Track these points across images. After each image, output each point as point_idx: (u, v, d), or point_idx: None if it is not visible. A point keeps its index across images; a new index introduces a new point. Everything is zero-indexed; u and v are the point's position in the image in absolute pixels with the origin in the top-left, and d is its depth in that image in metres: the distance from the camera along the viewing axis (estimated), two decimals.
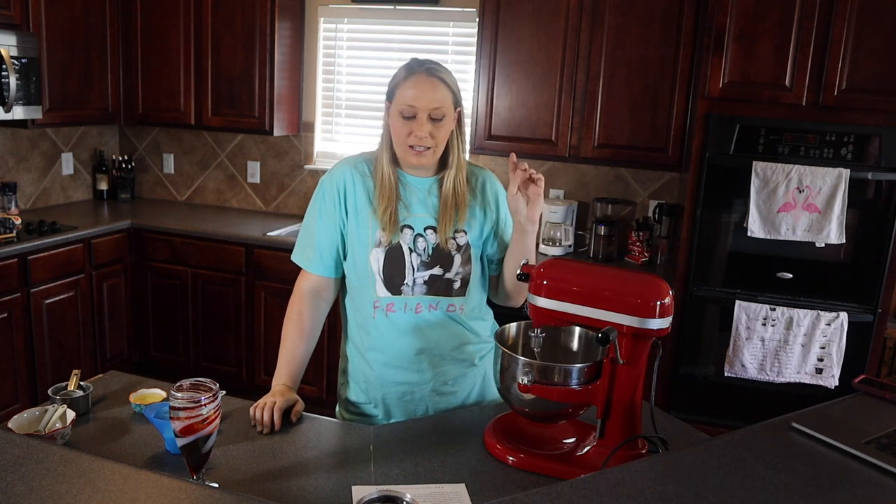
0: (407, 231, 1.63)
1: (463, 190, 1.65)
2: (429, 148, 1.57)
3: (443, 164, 1.66)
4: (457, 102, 1.61)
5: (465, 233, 1.66)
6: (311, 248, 1.69)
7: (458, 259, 1.65)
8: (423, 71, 1.56)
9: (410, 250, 1.62)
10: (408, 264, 1.62)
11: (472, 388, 1.74)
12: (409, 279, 1.62)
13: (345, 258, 1.69)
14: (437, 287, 1.64)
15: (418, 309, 1.64)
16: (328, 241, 1.67)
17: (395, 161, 1.64)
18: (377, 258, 1.62)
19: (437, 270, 1.63)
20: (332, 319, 1.78)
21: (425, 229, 1.64)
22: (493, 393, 1.76)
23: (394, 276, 1.62)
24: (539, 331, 1.46)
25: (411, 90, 1.55)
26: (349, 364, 1.76)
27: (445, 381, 1.69)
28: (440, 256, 1.64)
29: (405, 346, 1.65)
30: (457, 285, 1.65)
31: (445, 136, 1.60)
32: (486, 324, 1.76)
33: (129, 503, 0.94)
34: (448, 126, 1.59)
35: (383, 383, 1.68)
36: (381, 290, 1.63)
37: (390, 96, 1.60)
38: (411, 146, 1.57)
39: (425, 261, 1.63)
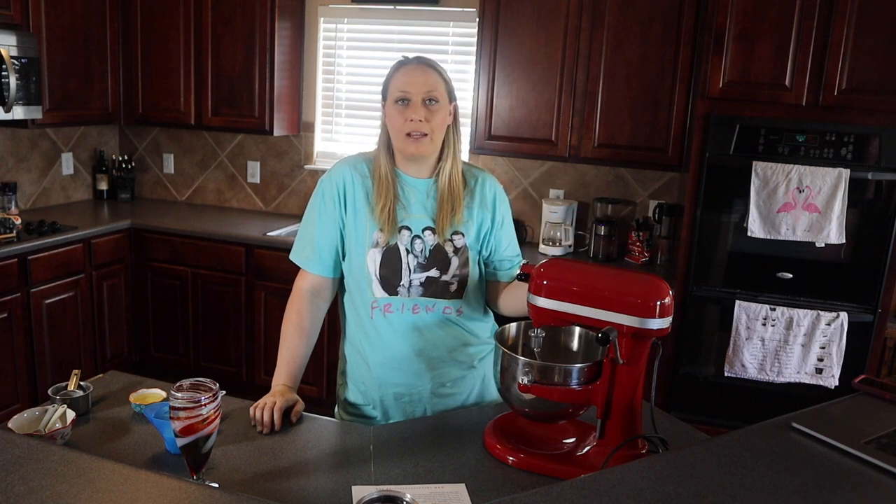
0: (405, 232, 1.63)
1: (459, 185, 1.65)
2: (426, 134, 1.57)
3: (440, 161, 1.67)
4: (450, 93, 1.62)
5: (463, 235, 1.66)
6: (310, 247, 1.68)
7: (455, 262, 1.65)
8: (413, 60, 1.61)
9: (407, 251, 1.62)
10: (404, 266, 1.62)
11: (472, 390, 1.73)
12: (405, 280, 1.62)
13: (343, 258, 1.69)
14: (434, 289, 1.63)
15: (415, 310, 1.64)
16: (327, 240, 1.67)
17: (392, 160, 1.65)
18: (374, 259, 1.62)
19: (433, 272, 1.63)
20: (331, 319, 1.78)
21: (423, 230, 1.64)
22: (493, 394, 1.76)
23: (390, 278, 1.61)
24: (539, 330, 1.46)
25: (404, 77, 1.58)
26: (348, 365, 1.76)
27: (444, 383, 1.68)
28: (437, 259, 1.63)
29: (403, 347, 1.64)
30: (453, 287, 1.65)
31: (441, 123, 1.60)
32: (485, 325, 1.76)
33: (129, 503, 0.94)
34: (443, 113, 1.60)
35: (382, 385, 1.68)
36: (378, 291, 1.62)
37: (385, 93, 1.63)
38: (408, 134, 1.57)
39: (422, 262, 1.63)
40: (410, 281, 1.62)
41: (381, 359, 1.66)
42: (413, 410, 1.70)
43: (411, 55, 1.64)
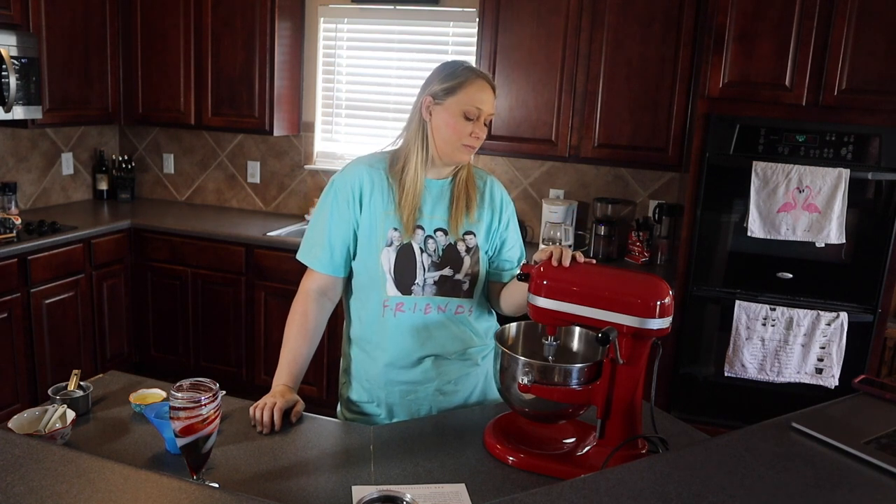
0: (419, 231, 1.64)
1: (473, 185, 1.69)
2: (478, 146, 1.64)
3: None
4: None
5: (475, 235, 1.67)
6: (320, 246, 1.67)
7: (467, 261, 1.66)
8: (483, 77, 1.62)
9: (421, 250, 1.63)
10: (419, 264, 1.63)
11: (475, 387, 1.74)
12: (419, 279, 1.62)
13: (354, 257, 1.68)
14: (447, 288, 1.64)
15: (427, 310, 1.64)
16: (340, 239, 1.66)
17: (425, 163, 1.65)
18: (388, 258, 1.62)
19: (447, 271, 1.64)
20: (331, 319, 1.78)
21: (436, 231, 1.65)
22: (495, 393, 1.76)
23: (405, 276, 1.62)
24: (553, 339, 1.45)
25: (481, 94, 1.60)
26: (352, 363, 1.76)
27: (449, 381, 1.69)
28: (450, 257, 1.65)
29: (411, 346, 1.65)
30: (465, 286, 1.66)
31: None
32: (489, 325, 1.77)
33: (129, 503, 0.94)
34: None
35: (387, 382, 1.68)
36: (392, 290, 1.63)
37: (448, 93, 1.60)
38: (467, 145, 1.61)
39: (436, 261, 1.64)
40: (425, 280, 1.63)
41: (389, 358, 1.66)
42: (418, 408, 1.70)
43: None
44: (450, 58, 3.77)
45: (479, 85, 1.60)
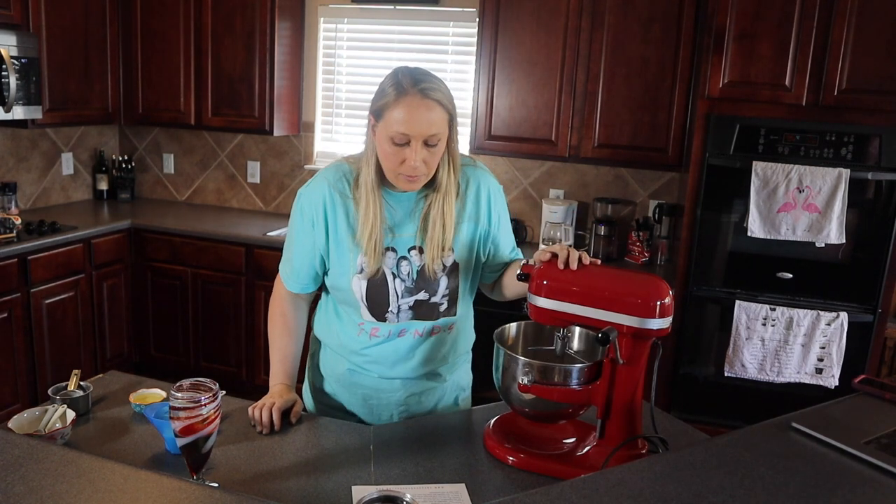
0: (390, 254, 1.53)
1: (451, 214, 1.53)
2: (422, 174, 1.45)
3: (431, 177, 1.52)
4: (451, 119, 1.45)
5: (453, 251, 1.56)
6: (290, 265, 1.63)
7: (443, 281, 1.56)
8: (416, 92, 1.38)
9: (394, 276, 1.54)
10: (391, 291, 1.54)
11: (441, 397, 1.71)
12: (393, 307, 1.55)
13: (326, 274, 1.62)
14: (423, 311, 1.57)
15: (402, 334, 1.58)
16: (308, 263, 1.60)
17: (379, 177, 1.50)
18: (359, 285, 1.53)
19: (422, 296, 1.56)
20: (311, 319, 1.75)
21: (409, 250, 1.54)
22: (458, 402, 1.74)
23: (378, 304, 1.55)
24: (565, 331, 1.45)
25: (404, 115, 1.38)
26: (319, 354, 1.72)
27: (413, 394, 1.66)
28: (425, 281, 1.55)
29: (383, 362, 1.61)
30: (443, 307, 1.58)
31: (439, 157, 1.47)
32: (467, 340, 1.73)
33: (129, 503, 0.94)
34: (442, 146, 1.45)
35: (352, 384, 1.66)
36: (366, 315, 1.57)
37: (377, 115, 1.43)
38: (402, 174, 1.44)
39: (409, 287, 1.55)
40: (399, 306, 1.55)
41: (358, 370, 1.64)
42: (380, 414, 1.67)
43: (409, 79, 1.41)
44: (450, 58, 3.80)
45: (404, 105, 1.38)
